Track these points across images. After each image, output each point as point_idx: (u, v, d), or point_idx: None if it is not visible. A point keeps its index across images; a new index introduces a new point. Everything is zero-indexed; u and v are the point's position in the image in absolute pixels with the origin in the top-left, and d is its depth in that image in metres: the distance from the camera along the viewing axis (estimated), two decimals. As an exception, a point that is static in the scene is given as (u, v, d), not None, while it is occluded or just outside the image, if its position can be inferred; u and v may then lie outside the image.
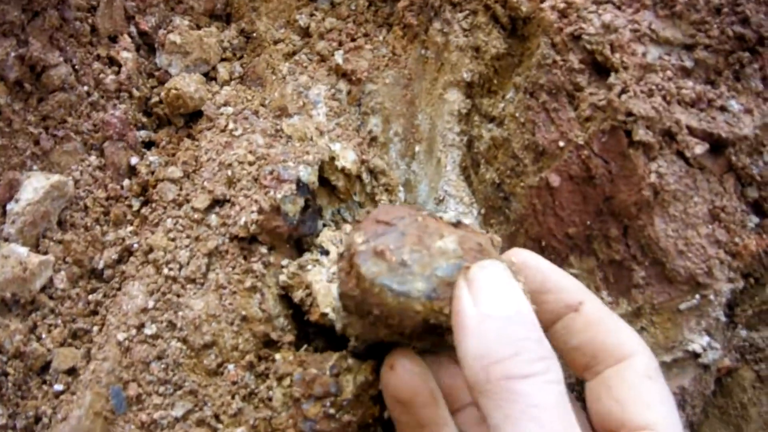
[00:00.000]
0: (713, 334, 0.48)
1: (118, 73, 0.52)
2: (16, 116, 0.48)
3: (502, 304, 0.29)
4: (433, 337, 0.33)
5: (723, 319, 0.48)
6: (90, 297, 0.48)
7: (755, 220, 0.47)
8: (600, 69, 0.45)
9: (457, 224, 0.34)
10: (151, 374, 0.45)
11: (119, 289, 0.48)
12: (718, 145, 0.45)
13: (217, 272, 0.46)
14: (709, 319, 0.48)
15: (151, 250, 0.48)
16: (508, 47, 0.50)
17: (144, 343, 0.45)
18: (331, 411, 0.41)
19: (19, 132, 0.48)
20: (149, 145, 0.53)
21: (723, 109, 0.45)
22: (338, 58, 0.54)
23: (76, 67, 0.50)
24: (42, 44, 0.48)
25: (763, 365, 0.51)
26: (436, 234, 0.32)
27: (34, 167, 0.49)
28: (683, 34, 0.45)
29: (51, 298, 0.47)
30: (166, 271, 0.47)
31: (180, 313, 0.46)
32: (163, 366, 0.45)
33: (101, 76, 0.51)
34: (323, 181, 0.49)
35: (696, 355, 0.48)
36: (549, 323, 0.37)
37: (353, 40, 0.55)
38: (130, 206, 0.51)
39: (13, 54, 0.47)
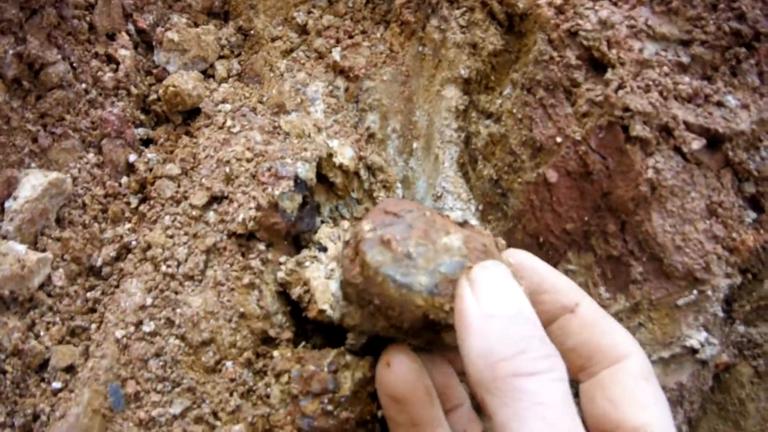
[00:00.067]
0: (711, 329, 0.48)
1: (116, 70, 0.52)
2: (14, 114, 0.48)
3: (504, 304, 0.30)
4: (430, 333, 0.33)
5: (721, 314, 0.48)
6: (88, 294, 0.48)
7: (753, 215, 0.47)
8: (597, 65, 0.45)
9: (464, 224, 0.34)
10: (150, 371, 0.45)
11: (117, 286, 0.48)
12: (715, 141, 0.45)
13: (215, 269, 0.46)
14: (707, 314, 0.48)
15: (149, 247, 0.48)
16: (505, 44, 0.50)
17: (142, 341, 0.45)
18: (329, 408, 0.41)
19: (18, 130, 0.48)
20: (147, 142, 0.54)
21: (720, 104, 0.45)
22: (336, 55, 0.54)
23: (74, 64, 0.50)
24: (40, 42, 0.48)
25: (761, 361, 0.51)
26: (442, 230, 0.33)
27: (33, 165, 0.49)
28: (680, 30, 0.45)
29: (49, 295, 0.47)
30: (164, 268, 0.47)
31: (178, 311, 0.46)
32: (161, 363, 0.45)
33: (99, 73, 0.51)
34: (321, 177, 0.49)
35: (694, 351, 0.48)
36: (545, 324, 0.37)
37: (351, 37, 0.55)
38: (128, 203, 0.51)
39: (11, 52, 0.47)
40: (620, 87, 0.44)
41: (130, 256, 0.49)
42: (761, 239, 0.47)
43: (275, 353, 0.45)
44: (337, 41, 0.55)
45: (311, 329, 0.47)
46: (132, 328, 0.45)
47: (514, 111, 0.48)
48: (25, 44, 0.47)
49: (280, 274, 0.46)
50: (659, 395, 0.34)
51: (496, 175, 0.50)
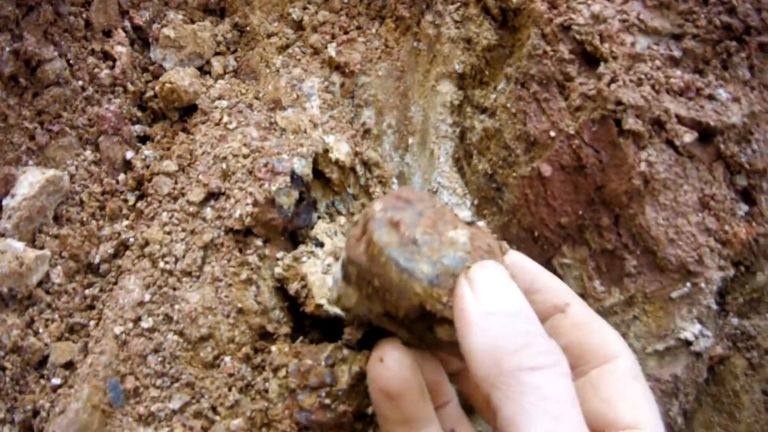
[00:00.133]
0: (705, 322, 0.49)
1: (112, 67, 0.52)
2: (11, 111, 0.48)
3: (504, 302, 0.30)
4: (424, 326, 0.33)
5: (714, 307, 0.49)
6: (86, 291, 0.49)
7: (745, 208, 0.48)
8: (590, 59, 0.46)
9: (471, 224, 0.35)
10: (148, 367, 0.45)
11: (115, 283, 0.49)
12: (706, 134, 0.46)
13: (213, 265, 0.46)
14: (701, 307, 0.48)
15: (146, 243, 0.48)
16: (499, 38, 0.50)
17: (141, 337, 0.46)
18: (327, 401, 0.41)
19: (15, 127, 0.48)
20: (144, 139, 0.54)
21: (711, 97, 0.45)
22: (331, 50, 0.54)
23: (71, 61, 0.50)
24: (36, 39, 0.48)
25: (755, 353, 0.51)
26: (450, 224, 0.33)
27: (30, 162, 0.49)
28: (671, 24, 0.46)
29: (48, 292, 0.48)
30: (162, 264, 0.47)
31: (176, 306, 0.46)
32: (160, 359, 0.45)
33: (96, 70, 0.52)
34: (317, 173, 0.50)
35: (688, 343, 0.48)
36: None
37: (346, 32, 0.55)
38: (125, 200, 0.51)
39: (7, 49, 0.47)
40: (613, 81, 0.44)
41: (128, 252, 0.49)
42: (753, 232, 0.48)
43: (273, 348, 0.45)
44: (333, 37, 0.55)
45: (309, 324, 0.47)
46: (130, 325, 0.46)
47: (509, 105, 0.48)
48: (22, 41, 0.47)
49: (278, 270, 0.46)
50: (649, 394, 0.35)
51: (491, 169, 0.50)
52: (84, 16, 0.52)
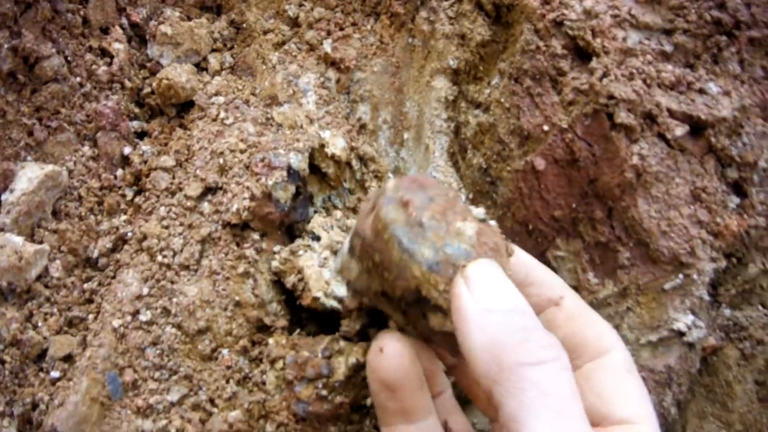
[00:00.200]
0: (697, 312, 0.49)
1: (110, 64, 0.53)
2: (9, 107, 0.48)
3: (501, 299, 0.30)
4: (418, 312, 0.33)
5: (707, 298, 0.49)
6: (85, 285, 0.49)
7: (736, 200, 0.48)
8: (582, 54, 0.46)
9: (483, 221, 0.35)
10: (147, 360, 0.45)
11: (114, 277, 0.49)
12: (697, 127, 0.46)
13: (211, 259, 0.47)
14: (693, 298, 0.49)
15: (144, 238, 0.48)
16: (492, 34, 0.51)
17: (139, 330, 0.46)
18: (324, 392, 0.41)
19: (13, 123, 0.49)
20: (142, 135, 0.54)
21: (702, 91, 0.46)
22: (327, 47, 0.55)
23: (69, 58, 0.51)
24: (35, 36, 0.49)
25: (747, 343, 0.52)
26: (460, 215, 0.33)
27: (28, 158, 0.49)
28: (662, 19, 0.46)
29: (46, 286, 0.48)
30: (160, 258, 0.47)
31: (174, 300, 0.46)
32: (158, 352, 0.46)
33: (93, 67, 0.52)
34: (314, 168, 0.50)
35: (681, 334, 0.49)
36: None
37: (341, 29, 0.55)
38: (123, 195, 0.51)
39: (6, 46, 0.47)
40: (605, 75, 0.45)
41: (126, 247, 0.49)
42: (745, 224, 0.48)
43: (270, 341, 0.45)
44: (328, 33, 0.56)
45: (306, 317, 0.48)
46: (129, 318, 0.46)
47: (502, 100, 0.49)
48: (20, 38, 0.48)
49: (275, 263, 0.47)
50: (642, 387, 0.35)
51: (486, 163, 0.51)
52: (81, 13, 0.52)
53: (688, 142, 0.46)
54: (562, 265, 0.50)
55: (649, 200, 0.46)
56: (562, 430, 0.27)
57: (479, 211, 0.35)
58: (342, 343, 0.42)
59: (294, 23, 0.57)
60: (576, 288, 0.49)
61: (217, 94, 0.53)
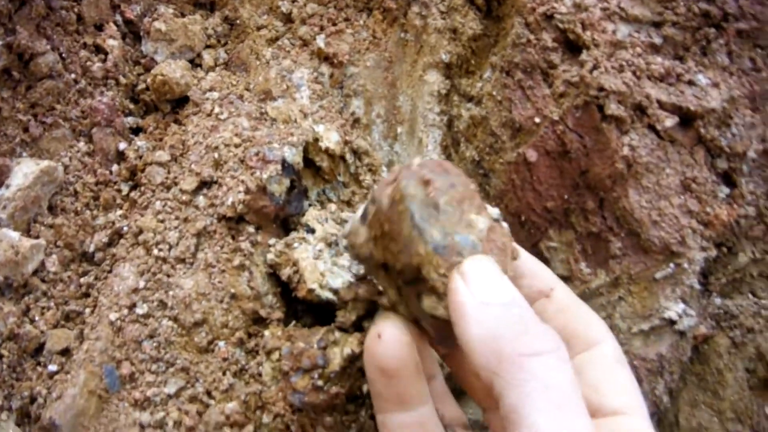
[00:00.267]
0: (688, 301, 0.50)
1: (104, 60, 0.53)
2: (4, 104, 0.49)
3: (498, 293, 0.30)
4: (413, 291, 0.33)
5: (698, 287, 0.50)
6: (82, 280, 0.49)
7: (726, 190, 0.49)
8: (572, 47, 0.47)
9: (496, 221, 0.35)
10: (144, 353, 0.46)
11: (110, 271, 0.49)
12: (687, 118, 0.47)
13: (206, 252, 0.47)
14: (684, 287, 0.49)
15: (140, 232, 0.49)
16: (484, 28, 0.51)
17: (136, 323, 0.46)
18: (319, 383, 0.41)
19: (8, 119, 0.49)
20: (137, 131, 0.54)
21: (691, 83, 0.47)
22: (320, 42, 0.55)
23: (63, 55, 0.51)
24: (29, 33, 0.49)
25: (738, 332, 0.52)
26: (476, 208, 0.33)
27: (24, 154, 0.50)
28: (651, 11, 0.47)
29: (43, 281, 0.48)
30: (156, 251, 0.48)
31: (170, 293, 0.47)
32: (155, 344, 0.46)
33: (88, 63, 0.52)
34: (308, 162, 0.50)
35: (672, 322, 0.49)
36: None
37: (334, 24, 0.56)
38: (119, 190, 0.52)
39: (0, 42, 0.47)
40: (595, 68, 0.45)
41: (122, 241, 0.50)
42: (735, 213, 0.49)
43: (266, 332, 0.45)
44: (321, 29, 0.56)
45: (301, 309, 0.48)
46: (125, 311, 0.46)
47: (494, 93, 0.50)
48: (15, 35, 0.48)
49: (270, 256, 0.47)
50: (632, 378, 0.35)
51: (478, 156, 0.51)
52: (76, 10, 0.53)
53: (678, 133, 0.47)
54: (555, 255, 0.50)
55: (640, 191, 0.47)
56: (562, 422, 0.27)
57: (495, 211, 0.35)
58: (337, 334, 0.42)
59: (287, 19, 0.58)
60: (568, 278, 0.50)
61: (211, 89, 0.54)
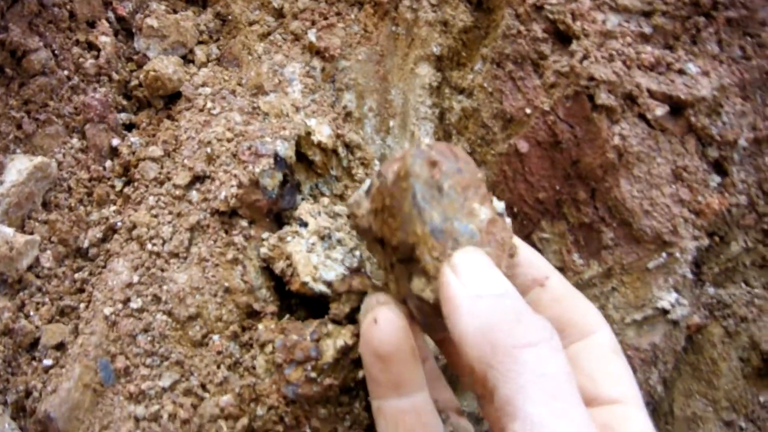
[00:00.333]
0: (681, 290, 0.50)
1: (97, 57, 0.53)
2: (-2, 101, 0.49)
3: (490, 285, 0.30)
4: (404, 270, 0.33)
5: (690, 276, 0.50)
6: (76, 275, 0.50)
7: (717, 179, 0.49)
8: (562, 37, 0.47)
9: (500, 215, 0.35)
10: (138, 347, 0.46)
11: (104, 266, 0.50)
12: (677, 107, 0.47)
13: (200, 246, 0.47)
14: (677, 276, 0.49)
15: (134, 227, 0.49)
16: (474, 20, 0.51)
17: (130, 317, 0.46)
18: (313, 375, 0.41)
19: (2, 116, 0.49)
20: (130, 127, 0.55)
21: (681, 72, 0.47)
22: (311, 36, 0.55)
23: (56, 51, 0.51)
24: (22, 30, 0.49)
25: (731, 321, 0.52)
26: (480, 198, 0.33)
27: (18, 150, 0.50)
28: (641, 1, 0.47)
29: (38, 276, 0.49)
30: (149, 246, 0.48)
31: (164, 287, 0.47)
32: (149, 338, 0.46)
33: (81, 60, 0.53)
34: (301, 156, 0.51)
35: (665, 312, 0.49)
36: None
37: (326, 18, 0.56)
38: (112, 186, 0.52)
39: (-7, 40, 0.48)
40: (585, 57, 0.46)
41: (116, 236, 0.50)
42: (726, 202, 0.49)
43: (260, 326, 0.46)
44: (313, 23, 0.56)
45: (295, 303, 0.48)
46: (120, 306, 0.47)
47: (485, 85, 0.50)
48: (7, 32, 0.48)
49: (263, 250, 0.47)
50: (628, 367, 0.35)
51: (470, 148, 0.51)
52: (68, 7, 0.53)
53: (669, 122, 0.47)
54: (548, 246, 0.50)
55: (631, 180, 0.47)
56: (557, 412, 0.27)
57: (500, 205, 0.35)
58: (330, 326, 0.42)
59: (279, 14, 0.58)
60: (561, 269, 0.50)
61: (203, 85, 0.54)
